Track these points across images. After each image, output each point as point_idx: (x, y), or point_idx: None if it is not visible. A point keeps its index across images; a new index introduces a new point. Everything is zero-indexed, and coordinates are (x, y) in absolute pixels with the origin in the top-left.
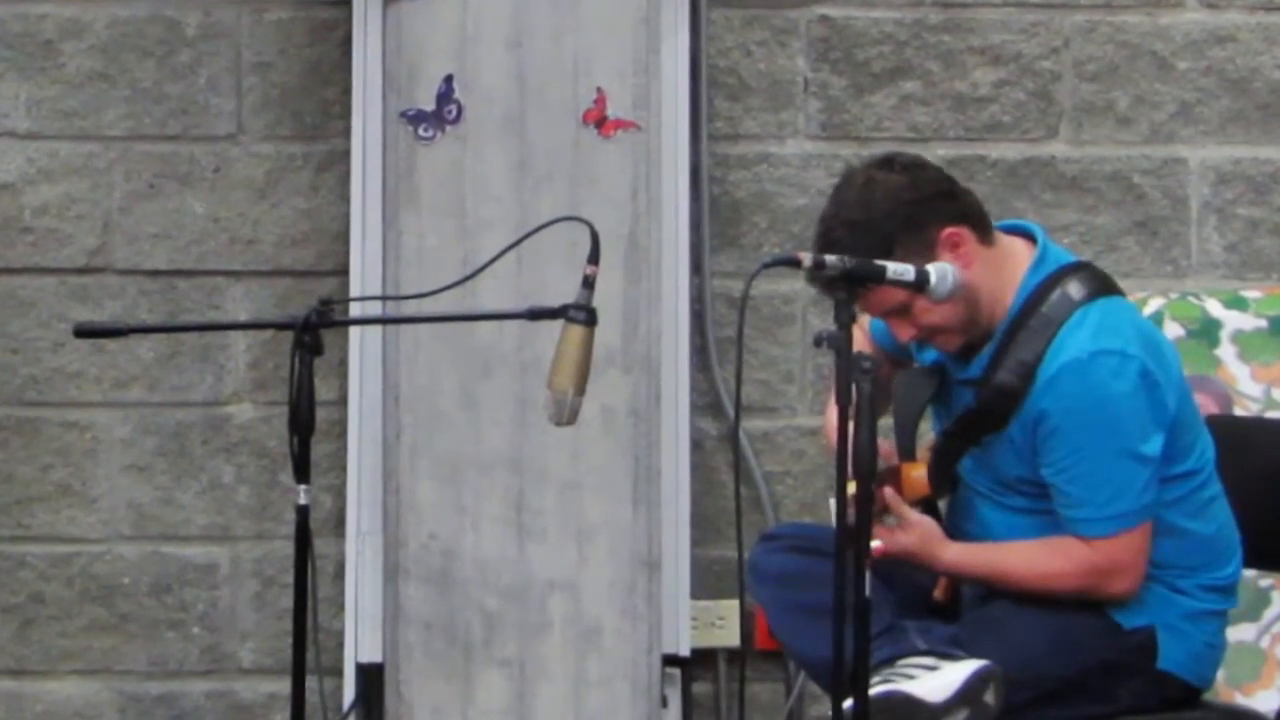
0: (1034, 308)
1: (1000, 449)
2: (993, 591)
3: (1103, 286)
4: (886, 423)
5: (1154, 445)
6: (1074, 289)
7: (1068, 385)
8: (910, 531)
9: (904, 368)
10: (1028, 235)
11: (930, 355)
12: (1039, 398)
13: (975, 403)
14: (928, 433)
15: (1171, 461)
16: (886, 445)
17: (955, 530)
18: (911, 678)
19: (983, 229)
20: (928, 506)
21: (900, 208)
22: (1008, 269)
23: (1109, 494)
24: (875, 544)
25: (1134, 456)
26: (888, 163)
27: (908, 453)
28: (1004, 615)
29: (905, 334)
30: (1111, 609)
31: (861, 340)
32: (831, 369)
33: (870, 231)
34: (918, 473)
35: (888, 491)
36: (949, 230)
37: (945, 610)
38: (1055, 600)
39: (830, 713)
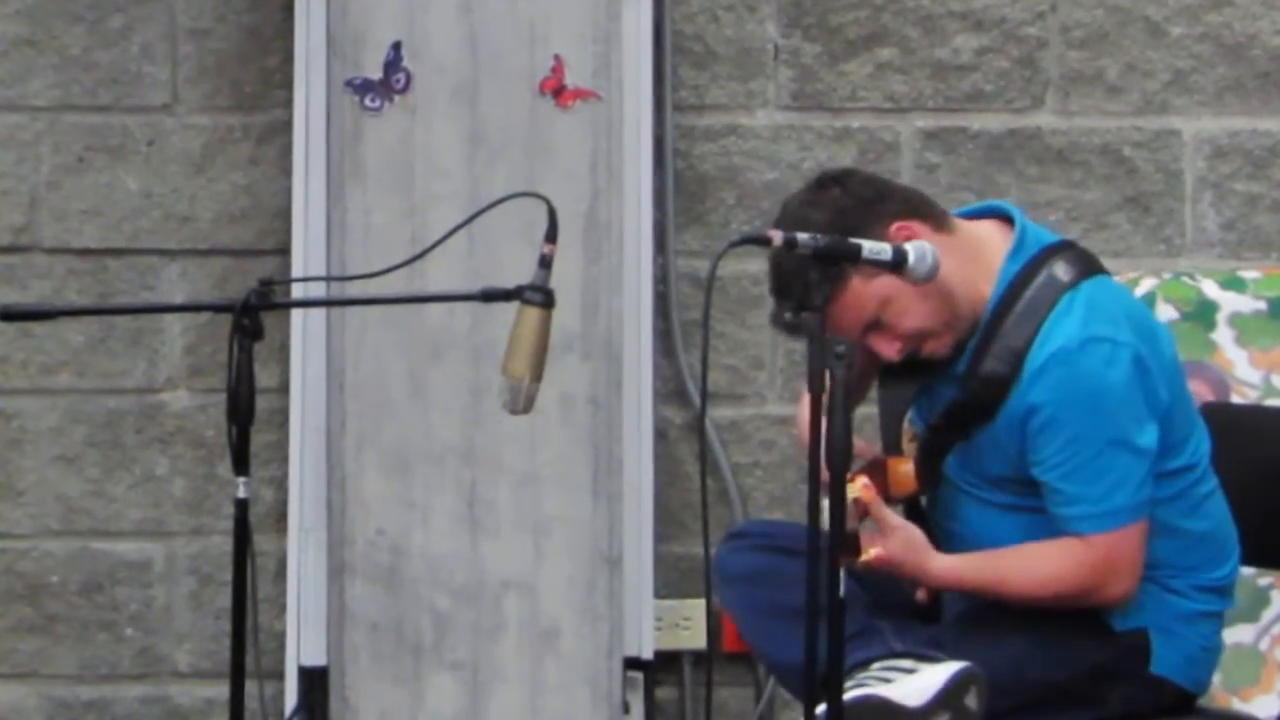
0: (1018, 294)
1: (985, 446)
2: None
3: (1089, 267)
4: (862, 413)
5: (1149, 437)
6: (1060, 271)
7: (1057, 375)
8: (892, 537)
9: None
10: (1003, 217)
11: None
12: (1027, 390)
13: (961, 395)
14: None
15: (1165, 456)
16: (861, 443)
17: (938, 528)
18: (888, 681)
19: (934, 218)
20: (912, 505)
21: (838, 221)
22: (981, 256)
23: (1105, 489)
24: (876, 552)
25: (1130, 449)
26: (814, 186)
27: (893, 447)
28: (988, 617)
29: (890, 349)
30: (1103, 611)
31: None
32: (803, 355)
33: (811, 252)
34: (905, 468)
35: (870, 494)
36: (896, 225)
37: (926, 611)
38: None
39: (802, 719)
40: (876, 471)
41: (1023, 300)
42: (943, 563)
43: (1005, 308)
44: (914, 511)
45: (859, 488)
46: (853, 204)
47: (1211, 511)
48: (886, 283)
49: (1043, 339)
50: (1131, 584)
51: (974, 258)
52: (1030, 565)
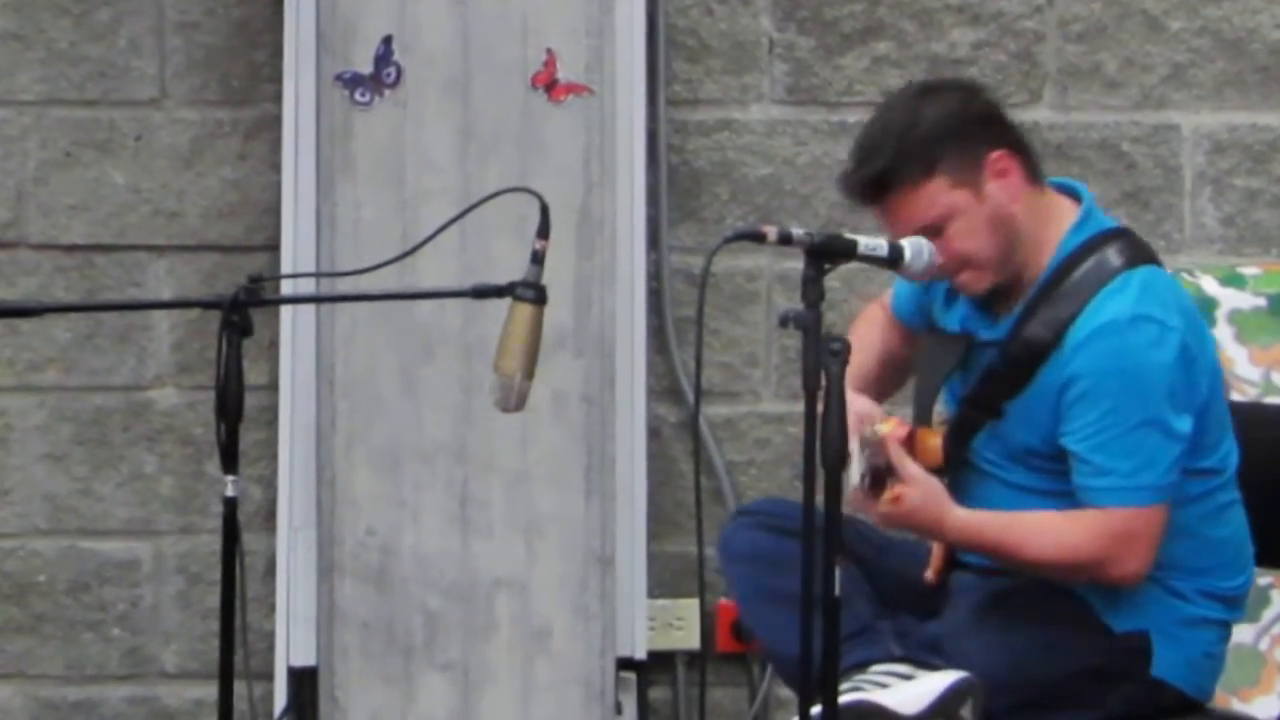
0: (1070, 270)
1: (1017, 418)
2: (980, 584)
3: (1144, 255)
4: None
5: (1185, 424)
6: (1113, 255)
7: (1103, 347)
8: (914, 488)
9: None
10: (1074, 195)
11: (955, 322)
12: (1069, 359)
13: (1000, 361)
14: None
15: (1195, 454)
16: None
17: None
18: (884, 686)
19: (1033, 168)
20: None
21: (949, 121)
22: (1051, 223)
23: (1136, 464)
24: (898, 489)
25: (1166, 430)
26: (938, 83)
27: (924, 419)
28: (989, 614)
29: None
30: (1103, 611)
31: (880, 316)
32: (798, 351)
33: (917, 144)
34: (933, 440)
35: (891, 443)
36: (998, 154)
37: (933, 594)
38: (1042, 599)
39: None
40: (903, 441)
41: (1074, 275)
42: (961, 516)
43: (1057, 279)
44: None
45: (893, 424)
46: (965, 113)
47: (1230, 520)
48: (963, 198)
49: (1092, 311)
50: (1143, 564)
51: (1045, 221)
52: (1049, 530)
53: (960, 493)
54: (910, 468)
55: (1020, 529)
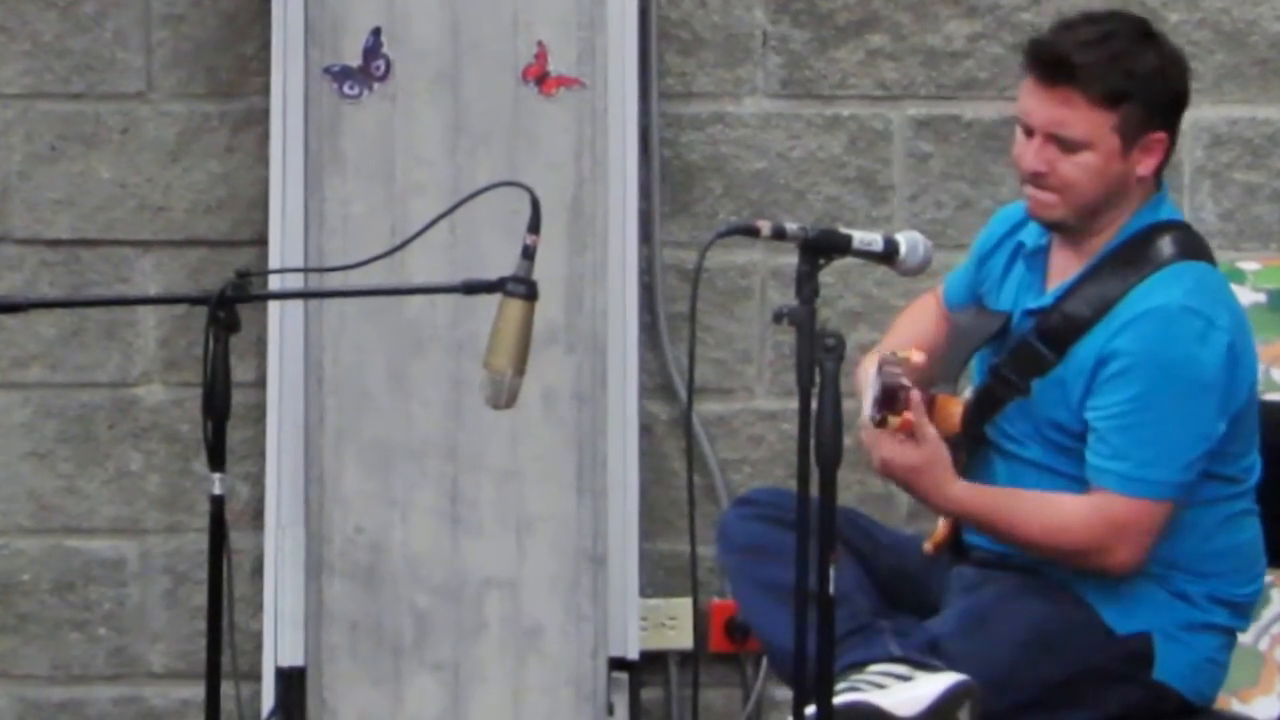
0: (1129, 251)
1: (1047, 390)
2: (978, 581)
3: (1201, 251)
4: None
5: (1217, 425)
6: (1167, 245)
7: (1147, 331)
8: (922, 448)
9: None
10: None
11: (1004, 302)
12: (1113, 336)
13: (1034, 331)
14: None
15: (1218, 460)
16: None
17: None
18: (882, 687)
19: (1165, 164)
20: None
21: (1160, 79)
22: (1136, 201)
23: (1153, 455)
24: (907, 415)
25: (1194, 428)
26: (1159, 34)
27: (949, 386)
28: (987, 613)
29: (1031, 160)
30: (1105, 612)
31: (931, 305)
32: (792, 347)
33: (1127, 72)
34: (953, 406)
35: (914, 399)
36: (1163, 135)
37: (930, 590)
38: (1042, 597)
39: None
40: (924, 406)
41: (1128, 261)
42: (959, 488)
43: (1111, 260)
44: None
45: (921, 356)
46: (1177, 87)
47: (1245, 528)
48: (1112, 144)
49: (1142, 293)
50: (1136, 557)
51: (1136, 202)
52: (1044, 511)
53: (978, 472)
54: (926, 429)
55: (1016, 506)
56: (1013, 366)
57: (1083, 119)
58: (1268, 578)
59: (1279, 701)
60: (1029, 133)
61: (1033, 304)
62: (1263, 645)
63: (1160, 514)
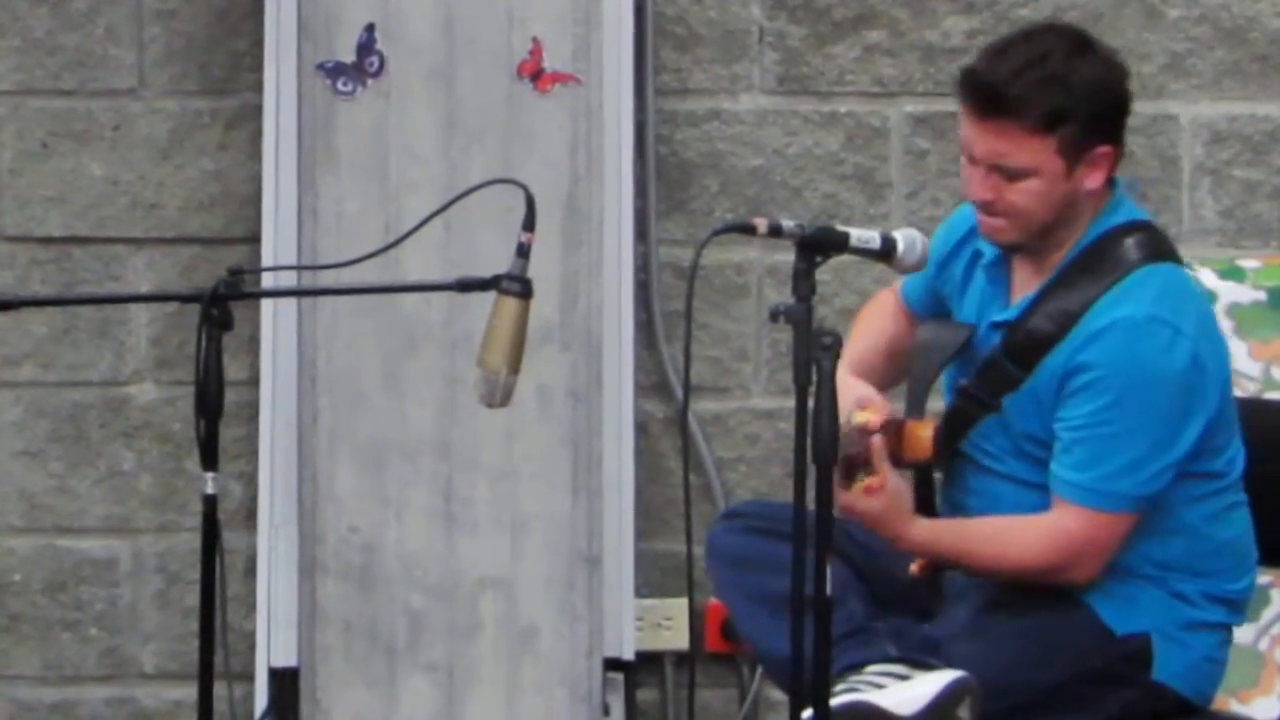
0: (1091, 257)
1: (1020, 404)
2: (974, 585)
3: (1165, 252)
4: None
5: (1184, 439)
6: (1132, 247)
7: (1113, 343)
8: (879, 497)
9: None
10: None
11: (967, 312)
12: (1079, 349)
13: (1001, 348)
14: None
15: (1201, 457)
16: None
17: (951, 504)
18: (880, 687)
19: (1118, 159)
20: (922, 475)
21: (1096, 95)
22: (1093, 210)
23: (1116, 468)
24: (867, 482)
25: (1159, 441)
26: (1091, 41)
27: (917, 409)
28: (985, 616)
29: (980, 190)
30: (1104, 613)
31: (890, 303)
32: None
33: (1059, 95)
34: (923, 431)
35: (877, 441)
36: (1107, 149)
37: (921, 591)
38: (1040, 599)
39: None
40: (892, 431)
41: (1092, 267)
42: (919, 528)
43: (1075, 267)
44: (923, 481)
45: (869, 414)
46: (1115, 98)
47: (1235, 522)
48: (1056, 167)
49: (1107, 304)
50: (1097, 568)
51: (1091, 209)
52: (1003, 539)
53: (955, 488)
54: (889, 476)
55: (973, 538)
56: (982, 385)
57: (1022, 148)
58: (1268, 578)
59: (1279, 702)
60: (973, 160)
61: (998, 317)
62: (1263, 645)
63: (1120, 526)
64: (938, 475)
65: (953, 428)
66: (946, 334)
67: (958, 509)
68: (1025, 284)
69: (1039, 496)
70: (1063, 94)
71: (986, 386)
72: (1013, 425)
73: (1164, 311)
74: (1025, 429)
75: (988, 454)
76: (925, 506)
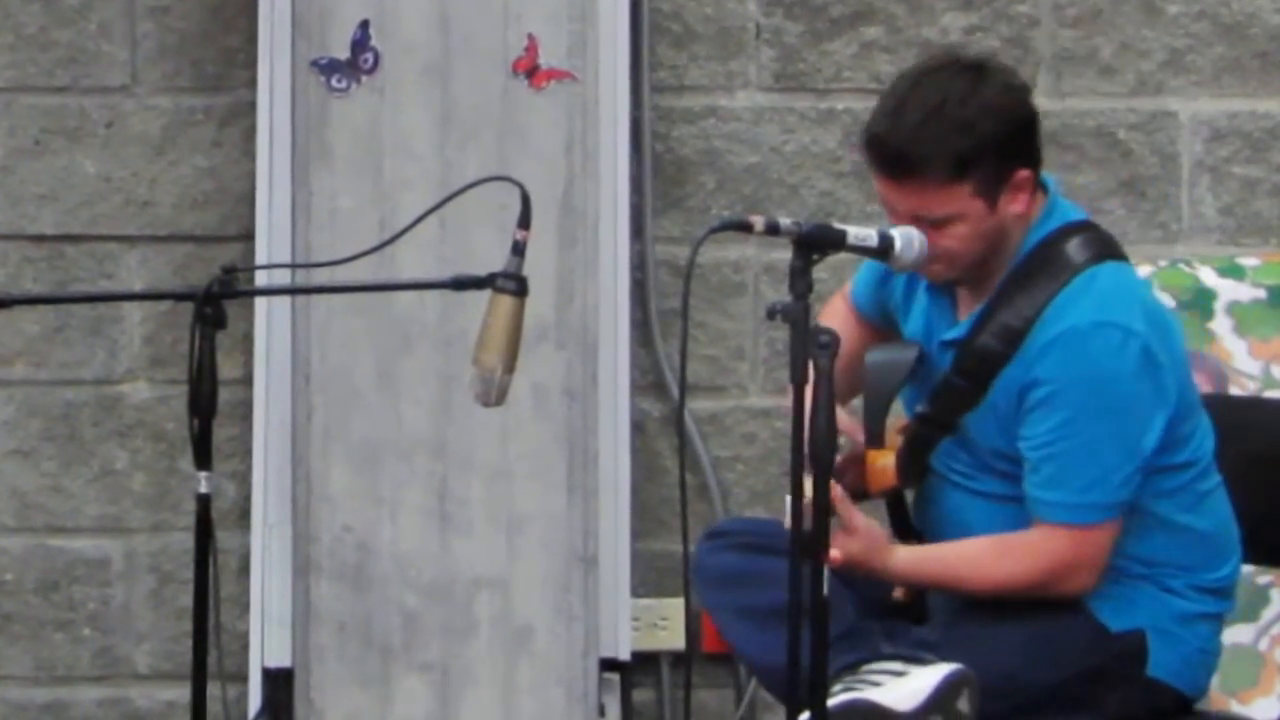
0: (1032, 267)
1: (980, 421)
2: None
3: (1107, 250)
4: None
5: (1150, 437)
6: (1075, 250)
7: (1064, 355)
8: (855, 539)
9: (885, 339)
10: (1042, 185)
11: (914, 329)
12: (1031, 364)
13: (953, 369)
14: (898, 417)
15: (1167, 450)
16: (849, 420)
17: (923, 520)
18: (877, 684)
19: (1039, 175)
20: (894, 498)
21: (998, 130)
22: (1022, 225)
23: (1088, 480)
24: (834, 554)
25: (1124, 445)
26: (992, 69)
27: (875, 438)
28: (978, 618)
29: None
30: (1099, 611)
31: (842, 310)
32: (785, 344)
33: (959, 145)
34: (883, 461)
35: (836, 491)
36: (1025, 173)
37: (908, 611)
38: (1034, 601)
39: None
40: (855, 465)
41: (1034, 276)
42: (901, 559)
43: (1016, 279)
44: (896, 504)
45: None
46: (1019, 125)
47: (1213, 509)
48: (978, 207)
49: (1053, 315)
50: (1090, 579)
51: (1026, 223)
52: (989, 561)
53: (929, 504)
54: (854, 520)
55: (960, 562)
56: (938, 408)
57: (939, 199)
58: (1268, 577)
59: (1279, 703)
60: (895, 215)
61: (947, 335)
62: (1262, 646)
63: (1105, 535)
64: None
65: (914, 451)
66: (896, 356)
67: (932, 526)
68: (970, 300)
69: (1013, 509)
70: (965, 138)
71: (943, 408)
72: (977, 443)
73: (1111, 314)
74: (990, 446)
75: (959, 473)
76: (902, 528)
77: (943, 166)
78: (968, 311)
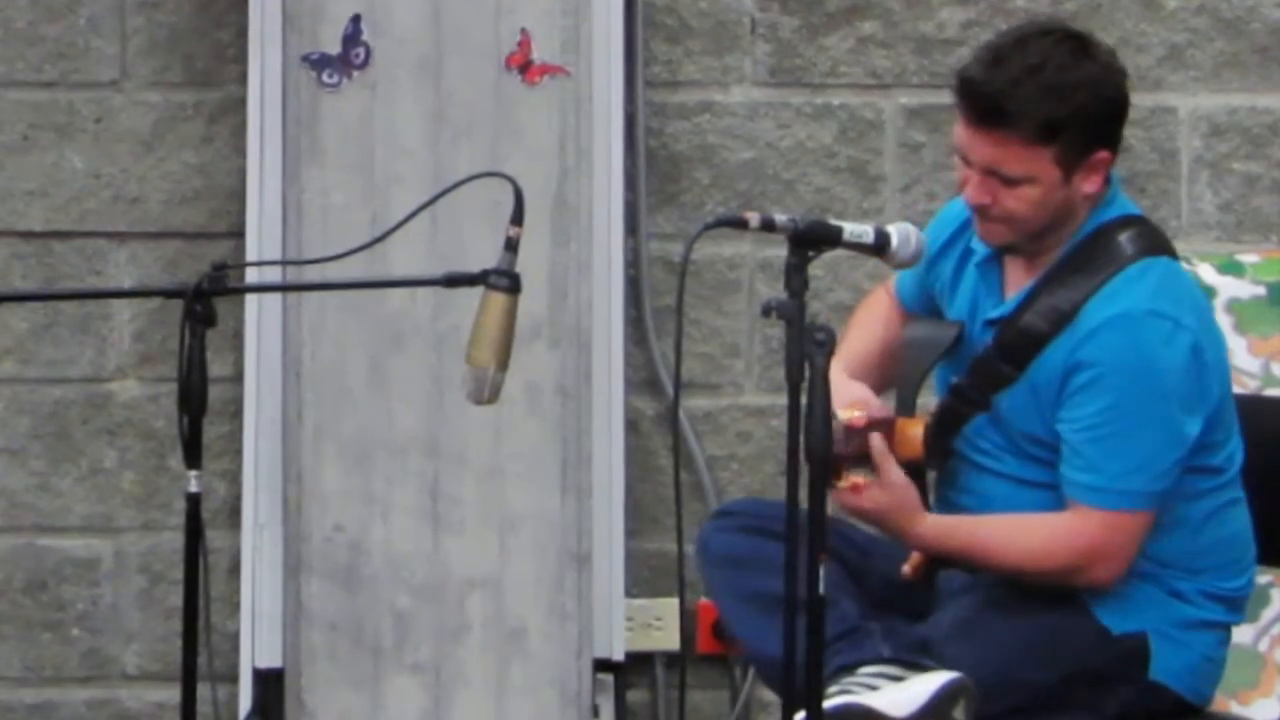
0: (1085, 253)
1: (1016, 402)
2: (970, 584)
3: (1160, 246)
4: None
5: (1190, 428)
6: (1128, 241)
7: (1114, 339)
8: (887, 492)
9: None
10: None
11: (960, 308)
12: (1078, 346)
13: (993, 346)
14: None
15: (1200, 452)
16: (876, 401)
17: (945, 502)
18: (874, 688)
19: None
20: (914, 474)
21: (1093, 104)
22: (1086, 208)
23: (1128, 466)
24: (854, 480)
25: (1167, 435)
26: (1089, 43)
27: (907, 408)
28: (980, 616)
29: (977, 194)
30: (1101, 612)
31: (885, 301)
32: (781, 341)
33: (1056, 108)
34: (913, 430)
35: (876, 439)
36: (1104, 154)
37: (916, 591)
38: (1036, 599)
39: None
40: (884, 428)
41: (1086, 263)
42: (928, 524)
43: (1068, 264)
44: (915, 480)
45: (852, 412)
46: (1113, 105)
47: (1234, 519)
48: (1054, 175)
49: (1103, 300)
50: (1119, 569)
51: (1089, 208)
52: (1018, 537)
53: (950, 485)
54: (891, 472)
55: (989, 535)
56: (973, 384)
57: (1020, 157)
58: (1268, 577)
59: (1279, 704)
60: (969, 164)
61: (992, 313)
62: (1263, 646)
63: (1139, 524)
64: (932, 475)
65: (943, 426)
66: (935, 332)
67: (951, 508)
68: (1018, 280)
69: (1037, 495)
70: (1060, 104)
71: (978, 385)
72: (1010, 424)
73: (1162, 305)
74: (1024, 428)
75: (982, 452)
76: None
77: (1032, 126)
78: (1015, 290)
